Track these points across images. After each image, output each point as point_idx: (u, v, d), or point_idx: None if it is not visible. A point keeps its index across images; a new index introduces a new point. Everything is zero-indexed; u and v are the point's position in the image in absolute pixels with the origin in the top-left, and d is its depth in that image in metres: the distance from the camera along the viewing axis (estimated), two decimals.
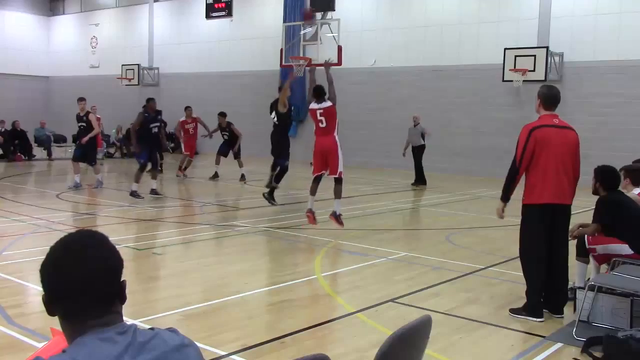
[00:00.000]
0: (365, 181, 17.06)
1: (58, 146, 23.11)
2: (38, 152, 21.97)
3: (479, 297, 6.25)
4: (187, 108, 17.66)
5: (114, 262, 1.65)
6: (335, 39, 17.80)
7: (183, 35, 27.20)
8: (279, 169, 11.57)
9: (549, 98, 5.66)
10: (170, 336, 1.67)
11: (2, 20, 30.99)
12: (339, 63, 18.19)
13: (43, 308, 1.62)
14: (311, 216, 9.45)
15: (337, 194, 9.32)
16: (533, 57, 17.61)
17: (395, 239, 9.47)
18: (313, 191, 9.48)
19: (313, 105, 9.36)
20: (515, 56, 17.84)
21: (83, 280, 1.58)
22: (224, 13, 24.93)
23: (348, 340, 4.96)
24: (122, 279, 1.66)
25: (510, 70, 17.93)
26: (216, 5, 25.00)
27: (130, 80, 27.57)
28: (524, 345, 4.97)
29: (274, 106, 11.51)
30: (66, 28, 32.59)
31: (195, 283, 6.64)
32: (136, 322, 4.91)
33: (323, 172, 9.37)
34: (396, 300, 5.97)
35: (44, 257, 1.62)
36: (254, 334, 4.96)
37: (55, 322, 1.67)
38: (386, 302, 5.91)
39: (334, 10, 19.20)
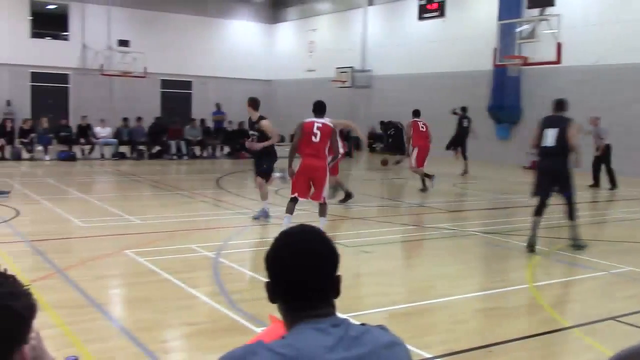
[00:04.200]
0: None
1: (277, 145, 24.65)
2: None
3: None
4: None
5: (331, 257, 1.71)
6: (554, 35, 16.84)
7: (395, 37, 27.55)
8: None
9: None
10: (381, 333, 1.69)
11: (232, 29, 33.91)
12: (558, 61, 17.23)
13: (262, 295, 1.72)
14: None
15: (322, 213, 8.67)
16: None
17: (618, 252, 8.68)
18: (290, 210, 8.53)
19: (311, 119, 8.65)
20: None
21: (302, 274, 1.65)
22: (436, 13, 24.81)
23: (563, 356, 4.66)
24: (337, 273, 1.71)
25: None
26: (429, 7, 24.97)
27: (343, 82, 28.57)
28: None
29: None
30: (286, 34, 34.74)
31: (402, 283, 6.68)
32: (345, 316, 5.07)
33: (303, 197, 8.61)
34: (618, 319, 5.47)
35: (263, 248, 1.73)
36: (461, 340, 4.86)
37: (273, 309, 1.77)
38: (606, 320, 5.44)
39: (554, 5, 18.10)
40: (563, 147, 8.07)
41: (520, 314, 5.69)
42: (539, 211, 8.35)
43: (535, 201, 8.44)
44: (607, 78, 19.18)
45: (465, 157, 18.17)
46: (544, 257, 7.97)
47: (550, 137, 8.16)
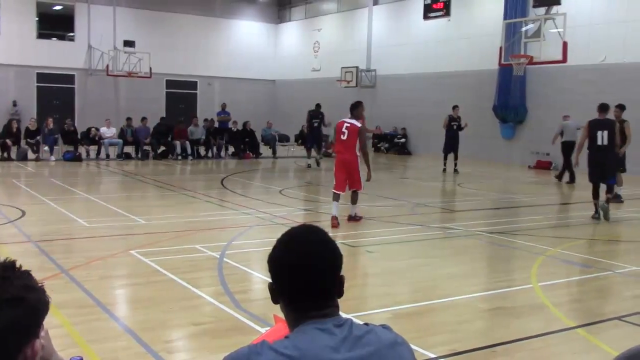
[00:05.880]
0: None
1: (282, 145, 24.71)
2: (264, 150, 23.70)
3: None
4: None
5: (335, 257, 1.71)
6: (560, 34, 16.79)
7: (400, 37, 27.52)
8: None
9: None
10: (385, 333, 1.69)
11: (237, 29, 33.94)
12: (564, 60, 17.18)
13: (266, 295, 1.73)
14: (335, 222, 9.53)
15: (354, 201, 9.92)
16: None
17: (624, 251, 8.66)
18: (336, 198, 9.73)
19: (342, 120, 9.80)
20: None
21: (306, 274, 1.65)
22: (442, 13, 24.76)
23: (567, 356, 4.64)
24: (341, 274, 1.72)
25: None
26: (434, 6, 24.92)
27: (348, 82, 28.57)
28: None
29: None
30: (291, 34, 34.75)
31: (406, 283, 6.68)
32: (349, 316, 5.07)
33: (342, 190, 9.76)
34: (624, 319, 5.45)
35: (267, 248, 1.73)
36: (465, 340, 4.85)
37: (277, 310, 1.77)
38: (612, 320, 5.43)
39: (560, 4, 18.04)
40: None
41: (525, 314, 5.68)
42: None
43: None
44: (613, 77, 19.09)
45: (456, 157, 18.66)
46: (548, 257, 7.95)
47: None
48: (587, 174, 10.95)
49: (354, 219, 9.99)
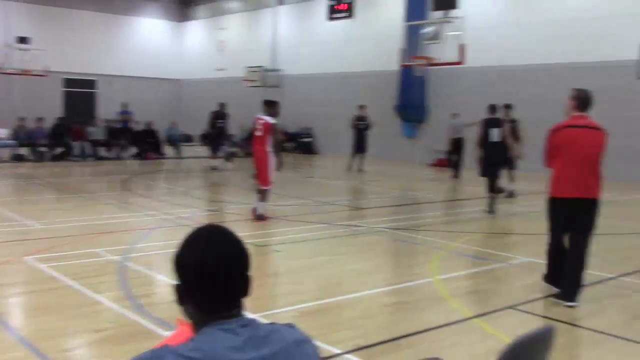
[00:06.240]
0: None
1: (186, 145, 24.29)
2: (168, 150, 23.21)
3: (607, 309, 5.89)
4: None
5: (243, 257, 1.70)
6: (457, 37, 17.43)
7: (306, 37, 27.72)
8: None
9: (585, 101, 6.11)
10: (290, 331, 1.70)
11: (138, 26, 33.04)
12: (462, 62, 17.87)
13: (171, 299, 1.70)
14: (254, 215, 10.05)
15: (259, 198, 10.12)
16: None
17: (515, 243, 9.14)
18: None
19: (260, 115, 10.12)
20: None
21: (213, 274, 1.63)
22: (345, 14, 25.15)
23: (465, 345, 4.85)
24: (248, 274, 1.71)
25: None
26: (338, 7, 25.27)
27: (254, 82, 28.49)
28: None
29: None
30: (196, 33, 34.22)
31: (312, 281, 6.75)
32: (254, 316, 5.07)
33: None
34: (516, 307, 5.76)
35: (172, 250, 1.70)
36: (369, 334, 4.97)
37: (181, 313, 1.74)
38: (506, 309, 5.72)
39: (457, 8, 18.76)
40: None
41: (426, 307, 5.88)
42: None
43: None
44: (508, 79, 20.09)
45: (363, 156, 19.23)
46: (447, 251, 8.26)
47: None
48: (479, 170, 11.72)
49: (257, 217, 10.02)
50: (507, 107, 12.87)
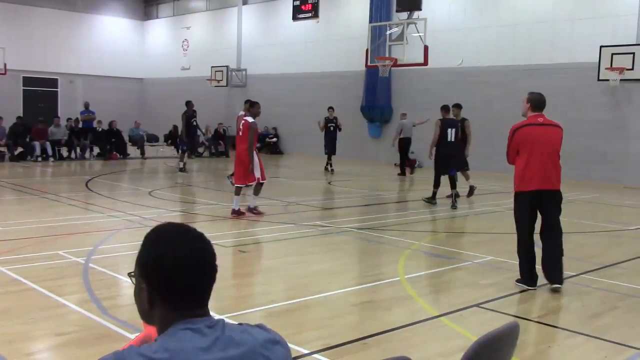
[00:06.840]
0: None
1: (151, 145, 24.01)
2: (132, 150, 22.92)
3: (569, 305, 6.01)
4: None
5: (211, 255, 1.67)
6: (421, 38, 17.59)
7: (270, 37, 27.66)
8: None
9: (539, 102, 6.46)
10: (259, 332, 1.67)
11: (100, 24, 32.54)
12: (425, 63, 18.06)
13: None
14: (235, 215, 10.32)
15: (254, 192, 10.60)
16: (632, 55, 16.76)
17: (480, 243, 9.26)
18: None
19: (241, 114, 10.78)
20: (612, 54, 17.01)
21: (181, 272, 1.60)
22: (310, 14, 25.17)
23: (431, 344, 4.89)
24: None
25: (606, 69, 17.11)
26: (303, 7, 25.28)
27: (219, 81, 28.31)
28: (618, 357, 4.74)
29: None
30: (159, 32, 33.85)
31: (279, 281, 6.73)
32: (222, 317, 5.03)
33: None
34: (482, 306, 5.84)
35: (136, 251, 1.67)
36: (337, 334, 4.97)
37: None
38: (471, 307, 5.79)
39: (421, 10, 18.94)
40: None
41: (393, 306, 5.92)
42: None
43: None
44: (470, 79, 20.36)
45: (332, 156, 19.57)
46: (414, 251, 8.34)
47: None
48: (434, 167, 12.44)
49: (252, 211, 10.50)
50: (457, 106, 13.14)
